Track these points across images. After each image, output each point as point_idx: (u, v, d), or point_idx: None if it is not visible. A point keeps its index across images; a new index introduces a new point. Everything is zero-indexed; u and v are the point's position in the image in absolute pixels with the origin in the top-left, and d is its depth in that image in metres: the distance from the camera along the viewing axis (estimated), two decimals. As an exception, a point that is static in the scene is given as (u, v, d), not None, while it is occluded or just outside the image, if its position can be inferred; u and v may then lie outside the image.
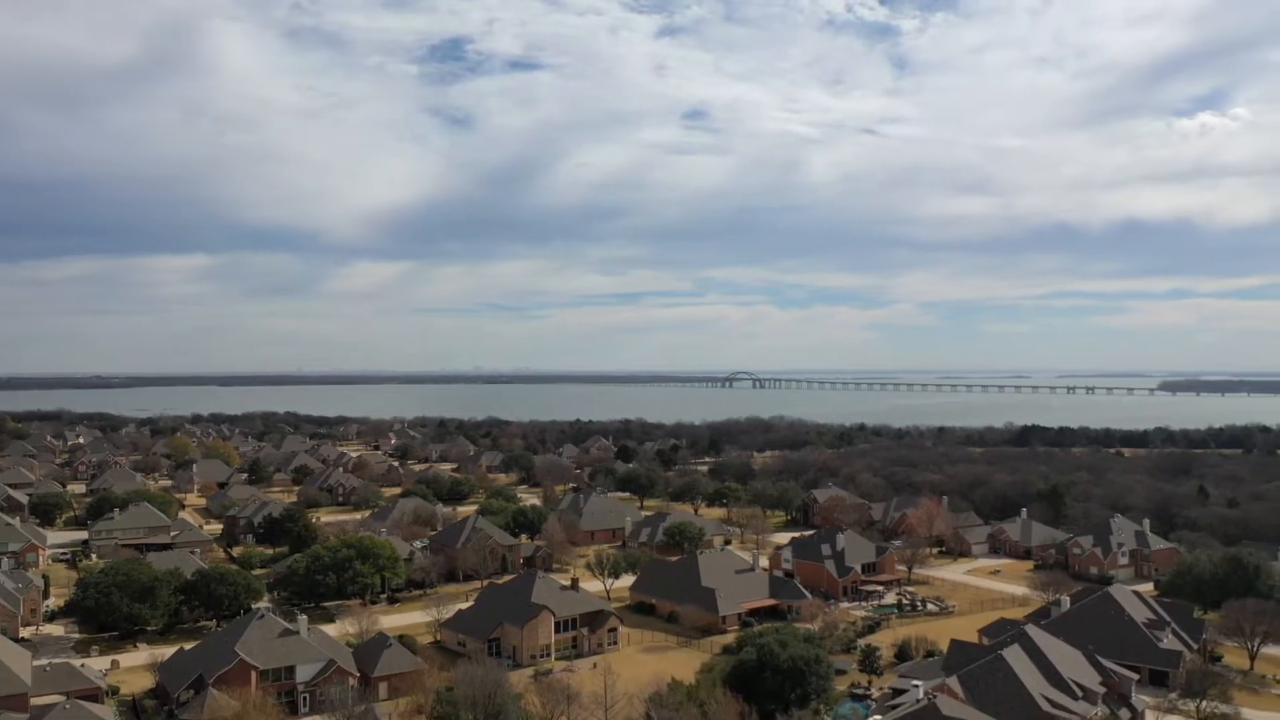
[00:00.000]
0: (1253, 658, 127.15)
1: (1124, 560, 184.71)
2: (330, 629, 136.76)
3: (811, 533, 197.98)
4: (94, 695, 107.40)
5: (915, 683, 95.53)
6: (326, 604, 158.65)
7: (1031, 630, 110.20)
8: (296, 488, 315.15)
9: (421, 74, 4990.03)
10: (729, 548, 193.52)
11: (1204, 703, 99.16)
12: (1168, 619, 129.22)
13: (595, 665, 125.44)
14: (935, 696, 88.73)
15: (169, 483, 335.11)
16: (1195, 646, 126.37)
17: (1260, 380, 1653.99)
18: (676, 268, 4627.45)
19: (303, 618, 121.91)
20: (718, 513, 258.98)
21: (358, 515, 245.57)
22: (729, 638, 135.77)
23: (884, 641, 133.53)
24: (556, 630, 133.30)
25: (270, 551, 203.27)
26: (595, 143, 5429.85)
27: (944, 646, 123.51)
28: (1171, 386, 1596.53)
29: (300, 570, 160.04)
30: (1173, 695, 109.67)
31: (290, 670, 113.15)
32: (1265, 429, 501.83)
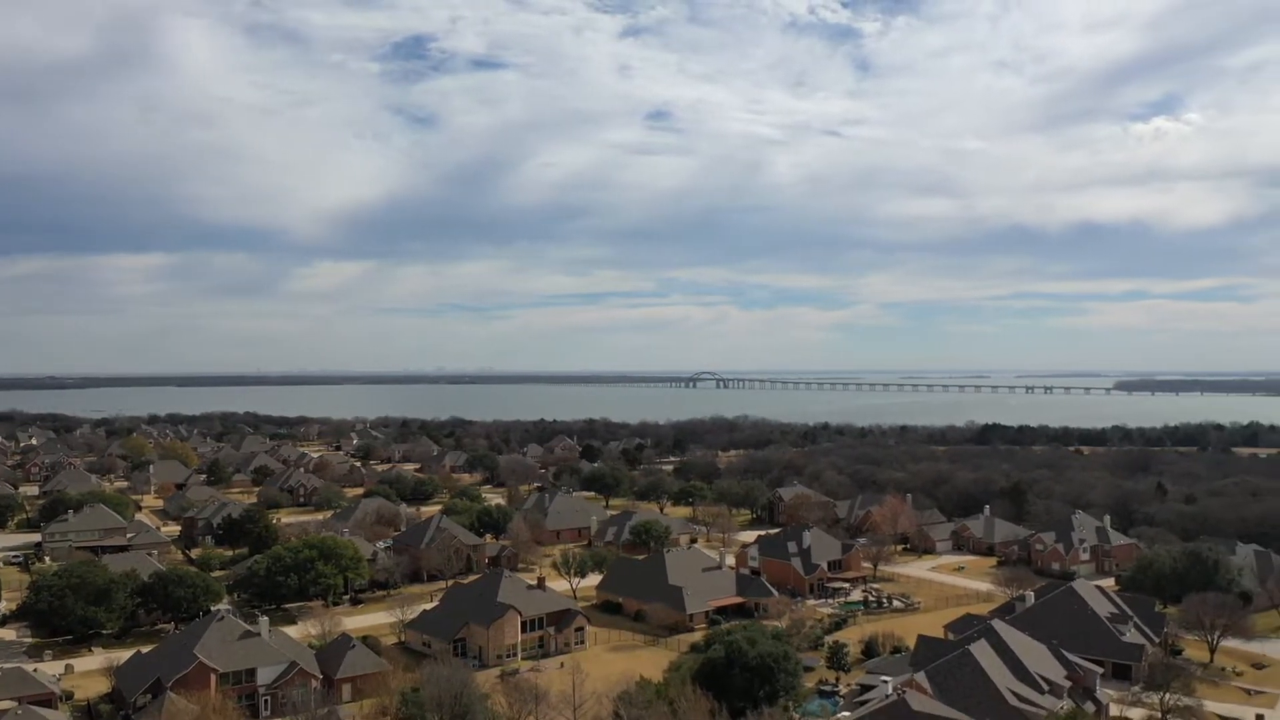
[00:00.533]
0: (1212, 650, 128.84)
1: (1085, 556, 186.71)
2: (292, 631, 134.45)
3: (777, 531, 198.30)
4: (47, 700, 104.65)
5: (884, 678, 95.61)
6: (288, 605, 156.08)
7: (998, 625, 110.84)
8: (256, 489, 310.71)
9: (383, 72, 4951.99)
10: (695, 546, 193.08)
11: (1167, 695, 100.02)
12: (1130, 613, 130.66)
13: (562, 665, 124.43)
14: (904, 692, 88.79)
15: (125, 484, 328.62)
16: (1157, 640, 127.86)
17: (1213, 380, 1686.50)
18: (640, 268, 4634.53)
19: (264, 619, 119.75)
20: (683, 511, 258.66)
21: (319, 516, 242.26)
22: (696, 636, 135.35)
23: (851, 638, 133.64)
24: (523, 630, 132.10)
25: (230, 553, 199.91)
26: (559, 143, 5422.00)
27: (910, 643, 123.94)
28: (1127, 386, 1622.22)
29: (261, 571, 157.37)
30: (1136, 688, 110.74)
31: (251, 673, 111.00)
32: (1219, 427, 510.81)
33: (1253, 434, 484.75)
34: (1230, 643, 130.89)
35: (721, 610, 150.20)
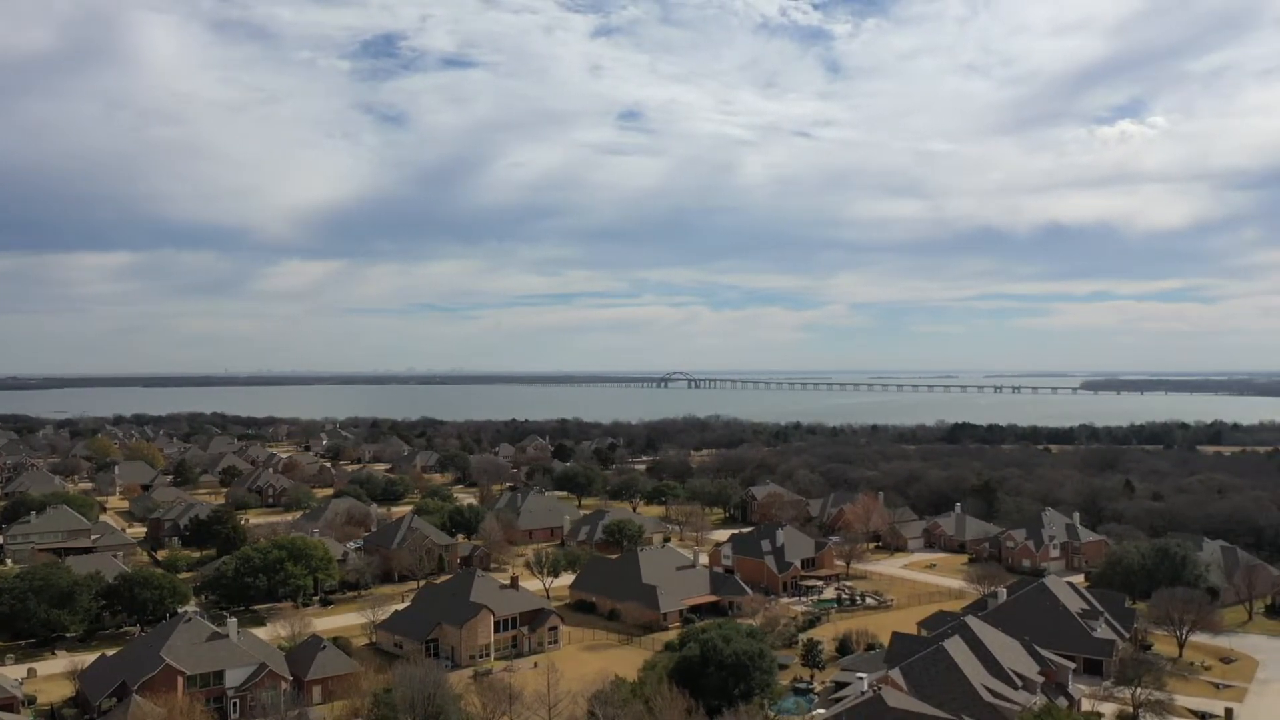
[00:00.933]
0: (1181, 645, 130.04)
1: (1055, 553, 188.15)
2: (261, 632, 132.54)
3: (751, 529, 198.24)
4: (9, 705, 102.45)
5: (859, 675, 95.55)
6: (257, 607, 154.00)
7: (971, 621, 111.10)
8: (224, 489, 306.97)
9: (353, 70, 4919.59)
10: (669, 545, 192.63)
11: (1139, 690, 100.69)
12: (1100, 609, 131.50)
13: (536, 665, 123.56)
14: (880, 688, 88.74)
15: (89, 485, 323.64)
16: (1127, 635, 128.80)
17: (1177, 379, 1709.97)
18: (611, 268, 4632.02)
19: (232, 620, 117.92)
20: (656, 510, 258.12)
21: (289, 516, 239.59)
22: (671, 634, 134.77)
23: (825, 635, 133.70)
24: (496, 630, 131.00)
25: (197, 554, 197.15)
26: (530, 142, 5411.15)
27: (884, 640, 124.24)
28: (1093, 386, 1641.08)
29: (229, 572, 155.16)
30: (1107, 683, 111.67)
31: (219, 675, 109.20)
32: (1184, 426, 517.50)
33: (1216, 433, 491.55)
34: (1199, 637, 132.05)
35: (696, 609, 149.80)
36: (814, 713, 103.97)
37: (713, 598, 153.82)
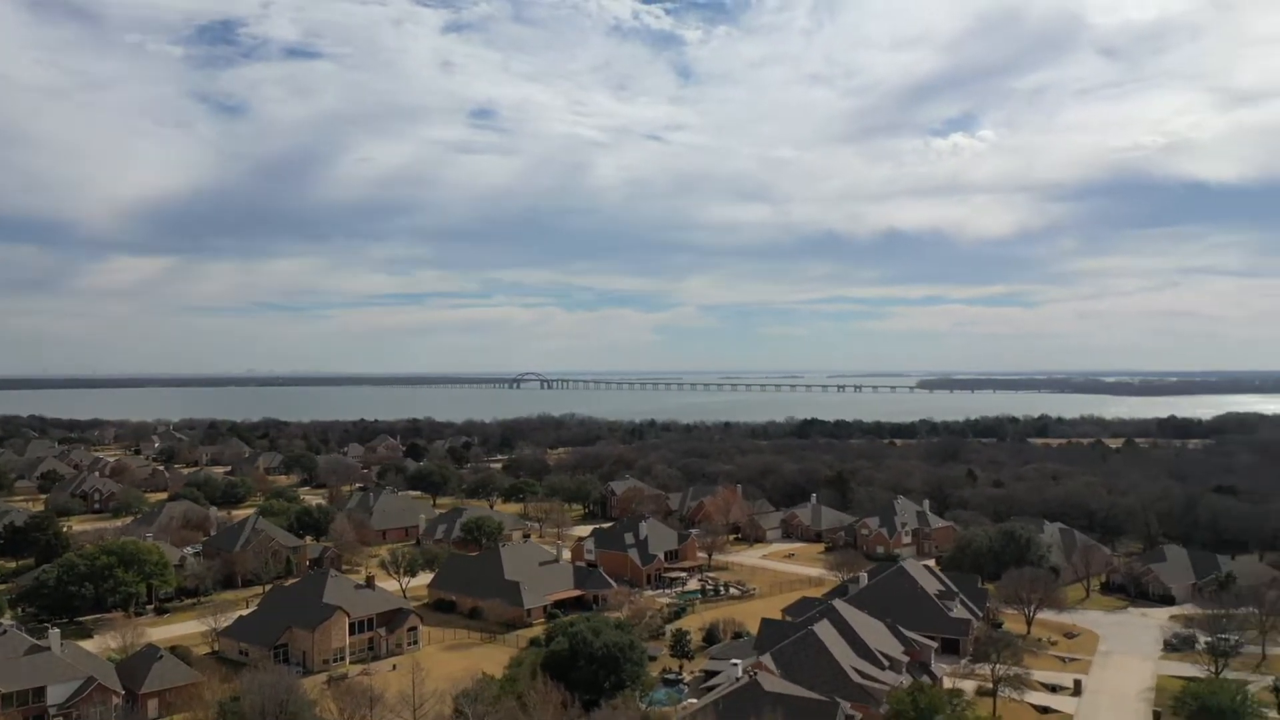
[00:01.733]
0: (1029, 623, 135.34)
1: (908, 539, 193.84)
2: (89, 645, 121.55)
3: (612, 524, 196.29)
4: None
5: (734, 661, 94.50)
6: (83, 619, 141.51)
7: (839, 605, 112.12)
8: (44, 495, 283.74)
9: (187, 56, 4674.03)
10: (530, 541, 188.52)
11: (998, 665, 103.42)
12: (956, 590, 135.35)
13: (395, 666, 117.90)
14: (756, 673, 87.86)
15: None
16: (981, 615, 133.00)
17: (1003, 379, 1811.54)
18: (463, 268, 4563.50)
19: (54, 632, 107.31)
20: (514, 508, 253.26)
21: (118, 522, 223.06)
22: (535, 630, 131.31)
23: (691, 626, 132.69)
24: (351, 632, 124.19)
25: (13, 564, 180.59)
26: (379, 137, 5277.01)
27: (751, 628, 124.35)
28: (929, 385, 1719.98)
29: (51, 581, 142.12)
30: (964, 661, 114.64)
31: (40, 692, 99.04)
32: (1014, 420, 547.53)
33: (1043, 426, 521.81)
34: (1044, 615, 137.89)
35: (560, 604, 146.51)
36: (686, 702, 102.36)
37: (577, 592, 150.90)
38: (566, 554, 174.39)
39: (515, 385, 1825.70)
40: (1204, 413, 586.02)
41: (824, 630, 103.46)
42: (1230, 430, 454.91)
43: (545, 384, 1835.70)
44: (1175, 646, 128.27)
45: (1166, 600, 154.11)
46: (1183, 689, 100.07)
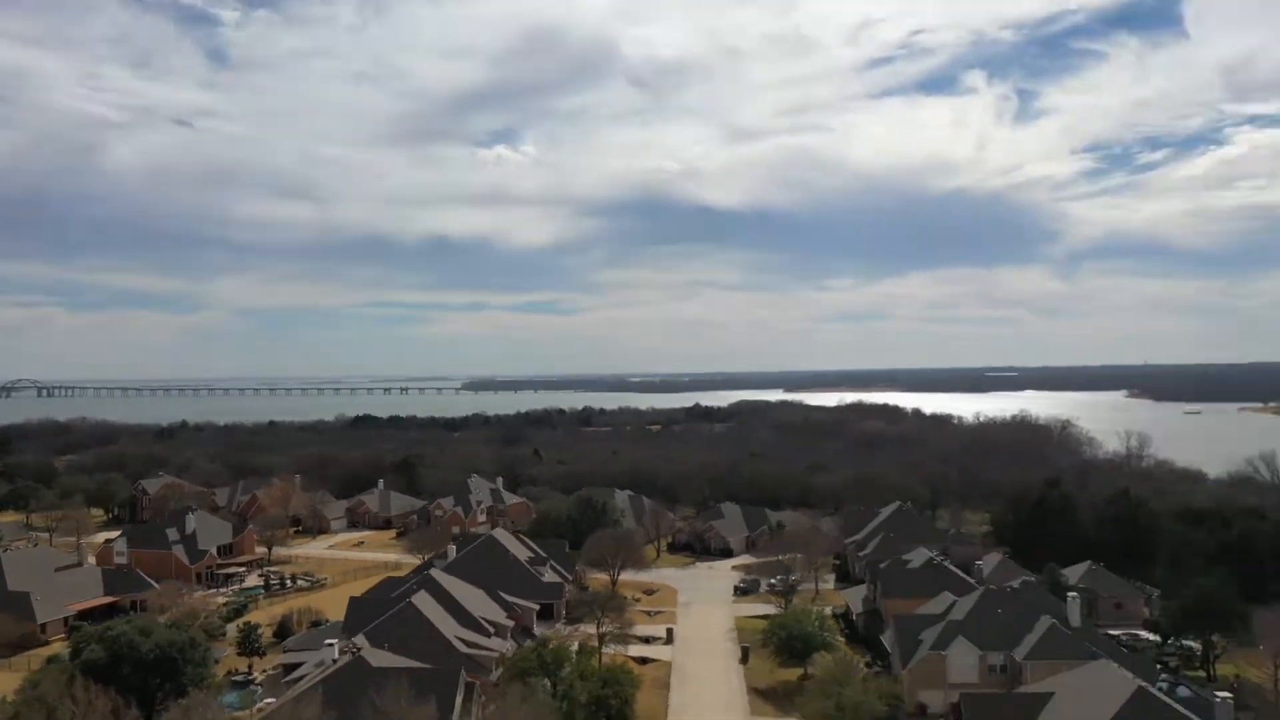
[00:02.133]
0: (614, 582, 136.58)
1: (483, 517, 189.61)
2: None
3: (150, 520, 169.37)
4: None
5: (330, 642, 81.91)
6: None
7: (436, 574, 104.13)
8: None
9: None
10: (40, 547, 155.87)
11: (603, 623, 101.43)
12: (546, 556, 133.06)
13: None
14: (360, 650, 76.65)
15: None
16: (571, 578, 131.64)
17: (543, 381, 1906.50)
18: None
19: None
20: (15, 516, 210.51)
21: None
22: (57, 647, 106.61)
23: (260, 620, 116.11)
24: None
25: None
26: None
27: (331, 615, 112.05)
28: (474, 386, 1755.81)
29: None
30: (560, 624, 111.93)
31: None
32: (562, 411, 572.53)
33: (588, 416, 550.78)
34: (626, 575, 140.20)
35: (87, 615, 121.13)
36: (263, 703, 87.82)
37: (110, 599, 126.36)
38: (91, 559, 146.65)
39: (5, 394, 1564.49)
40: (720, 403, 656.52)
41: (423, 601, 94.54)
42: (745, 414, 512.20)
43: (44, 391, 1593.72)
44: (745, 590, 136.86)
45: (727, 553, 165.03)
46: (770, 622, 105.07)
